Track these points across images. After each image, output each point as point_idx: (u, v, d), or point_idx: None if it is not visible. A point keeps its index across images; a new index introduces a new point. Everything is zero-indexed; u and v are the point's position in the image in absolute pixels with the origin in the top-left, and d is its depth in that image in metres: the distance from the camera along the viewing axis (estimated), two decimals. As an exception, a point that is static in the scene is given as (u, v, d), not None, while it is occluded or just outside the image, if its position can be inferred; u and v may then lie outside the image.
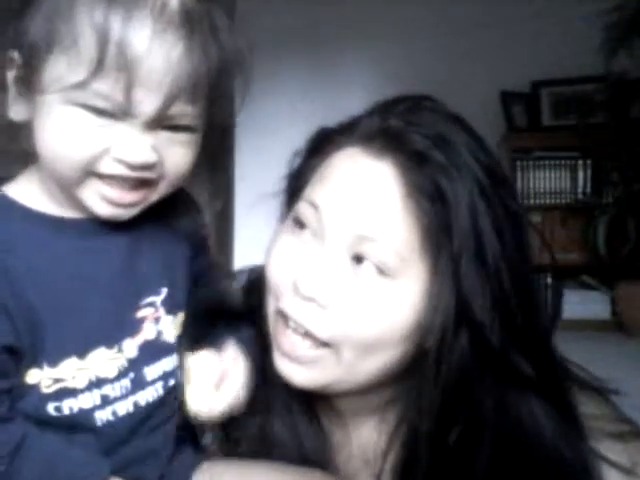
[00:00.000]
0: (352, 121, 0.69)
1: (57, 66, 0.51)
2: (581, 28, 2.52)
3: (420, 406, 0.64)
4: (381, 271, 0.62)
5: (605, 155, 2.69)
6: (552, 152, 2.88)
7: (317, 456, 0.69)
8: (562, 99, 2.94)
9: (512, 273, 0.63)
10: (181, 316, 0.63)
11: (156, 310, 0.60)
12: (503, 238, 0.62)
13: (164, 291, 0.60)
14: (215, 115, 0.58)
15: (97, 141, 0.52)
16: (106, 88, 0.50)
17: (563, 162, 2.88)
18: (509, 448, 0.62)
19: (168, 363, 0.61)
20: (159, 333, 0.60)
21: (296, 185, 0.72)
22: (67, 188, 0.55)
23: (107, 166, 0.52)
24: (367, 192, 0.63)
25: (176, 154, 0.55)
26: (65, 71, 0.50)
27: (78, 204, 0.55)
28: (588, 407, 0.68)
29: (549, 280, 2.70)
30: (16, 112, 0.56)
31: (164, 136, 0.54)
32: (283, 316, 0.65)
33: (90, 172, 0.52)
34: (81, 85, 0.49)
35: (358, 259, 0.63)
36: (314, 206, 0.65)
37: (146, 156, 0.52)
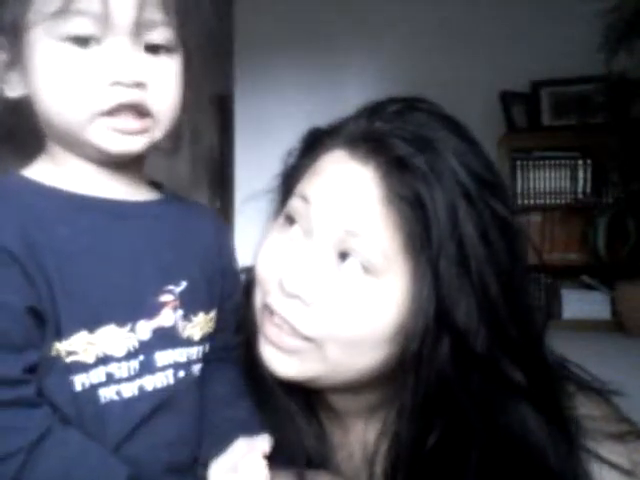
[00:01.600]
0: (340, 123, 0.70)
1: (37, 7, 0.55)
2: (581, 28, 2.52)
3: (401, 411, 0.63)
4: (366, 269, 0.62)
5: (605, 155, 2.69)
6: (552, 152, 2.88)
7: (318, 455, 0.70)
8: (562, 99, 2.94)
9: (500, 279, 0.62)
10: (203, 316, 0.64)
11: (175, 299, 0.61)
12: (489, 243, 0.62)
13: (183, 284, 0.62)
14: (191, 37, 0.61)
15: (90, 71, 0.55)
16: (83, 4, 0.54)
17: (563, 162, 2.87)
18: (496, 456, 0.62)
19: (182, 354, 0.61)
20: (176, 322, 0.61)
21: (289, 184, 0.73)
22: (77, 138, 0.57)
23: (106, 96, 0.56)
24: (352, 194, 0.64)
25: (161, 79, 0.58)
26: (45, 7, 0.54)
27: (90, 153, 0.58)
28: (588, 408, 0.68)
29: (547, 280, 2.71)
30: (12, 88, 0.59)
31: (147, 60, 0.58)
32: (270, 311, 0.66)
33: (94, 111, 0.56)
34: (62, 10, 0.54)
35: (344, 256, 0.63)
36: (305, 200, 0.66)
37: (137, 72, 0.56)
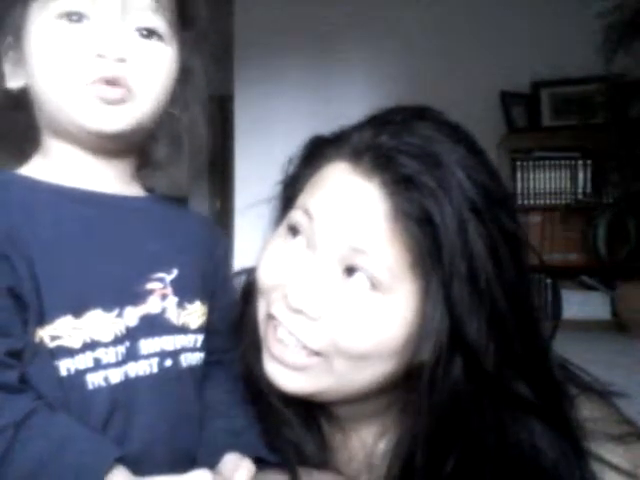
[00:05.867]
0: (343, 133, 0.69)
1: None
2: (581, 29, 2.52)
3: (415, 434, 0.62)
4: (373, 285, 0.61)
5: (605, 155, 2.69)
6: (552, 152, 2.88)
7: (317, 459, 0.69)
8: (562, 99, 2.94)
9: (508, 294, 0.61)
10: (200, 305, 0.64)
11: (164, 287, 0.61)
12: (498, 259, 0.61)
13: (174, 272, 0.62)
14: (184, 27, 0.65)
15: (78, 44, 0.59)
16: None
17: (563, 162, 2.87)
18: (509, 474, 0.61)
19: (169, 342, 0.61)
20: (164, 310, 0.61)
21: (290, 192, 0.72)
22: (65, 115, 0.60)
23: (90, 68, 0.59)
24: (357, 210, 0.62)
25: (146, 59, 0.62)
26: None
27: (80, 136, 0.61)
28: (589, 410, 0.67)
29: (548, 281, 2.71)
30: (14, 80, 0.63)
31: (135, 40, 0.61)
32: (274, 321, 0.65)
33: (79, 82, 0.59)
34: None
35: (350, 271, 0.62)
36: (308, 215, 0.65)
37: (121, 48, 0.60)
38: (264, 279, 0.67)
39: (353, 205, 0.63)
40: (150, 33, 0.62)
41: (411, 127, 0.64)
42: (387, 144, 0.63)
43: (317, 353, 0.63)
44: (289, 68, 3.28)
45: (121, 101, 0.61)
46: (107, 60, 0.59)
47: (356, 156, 0.64)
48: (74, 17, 0.60)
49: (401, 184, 0.61)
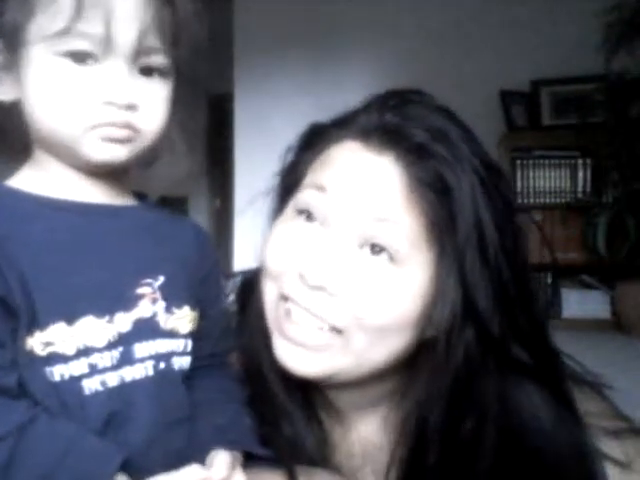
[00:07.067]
0: (349, 115, 0.70)
1: (39, 24, 0.57)
2: (581, 28, 2.52)
3: (431, 395, 0.64)
4: (391, 257, 0.62)
5: (605, 154, 2.69)
6: (552, 151, 2.88)
7: (317, 454, 0.69)
8: (562, 98, 2.94)
9: (510, 263, 0.64)
10: (188, 311, 0.64)
11: (154, 291, 0.61)
12: (501, 228, 0.63)
13: (161, 278, 0.62)
14: (184, 61, 0.64)
15: (85, 88, 0.57)
16: (86, 26, 0.56)
17: (563, 161, 2.87)
18: (510, 436, 0.63)
19: (163, 345, 0.61)
20: (155, 314, 0.61)
21: (290, 180, 0.72)
22: (64, 147, 0.59)
23: (98, 113, 0.58)
24: (373, 181, 0.64)
25: (151, 102, 0.61)
26: (47, 24, 0.56)
27: (77, 161, 0.60)
28: (584, 404, 0.69)
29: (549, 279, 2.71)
30: (4, 92, 0.60)
31: (140, 83, 0.60)
32: (287, 303, 0.65)
33: (85, 126, 0.58)
34: (65, 31, 0.55)
35: (366, 244, 0.63)
36: (320, 189, 0.66)
37: (130, 94, 0.58)
38: (274, 263, 0.67)
39: (369, 178, 0.64)
40: (153, 70, 0.61)
41: (411, 106, 0.67)
42: (393, 121, 0.66)
43: (337, 331, 0.63)
44: (289, 67, 3.28)
45: (126, 140, 0.60)
46: (116, 107, 0.58)
47: (365, 135, 0.66)
48: (80, 57, 0.57)
49: (415, 154, 0.63)
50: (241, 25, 3.27)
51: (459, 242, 0.61)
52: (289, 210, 0.69)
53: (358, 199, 0.63)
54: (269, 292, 0.68)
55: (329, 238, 0.64)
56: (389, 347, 0.64)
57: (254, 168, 2.70)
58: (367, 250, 0.63)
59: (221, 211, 4.74)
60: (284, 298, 0.65)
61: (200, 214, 4.59)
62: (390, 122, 0.66)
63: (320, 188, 0.66)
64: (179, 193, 3.37)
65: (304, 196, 0.67)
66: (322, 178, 0.66)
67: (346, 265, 0.63)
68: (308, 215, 0.66)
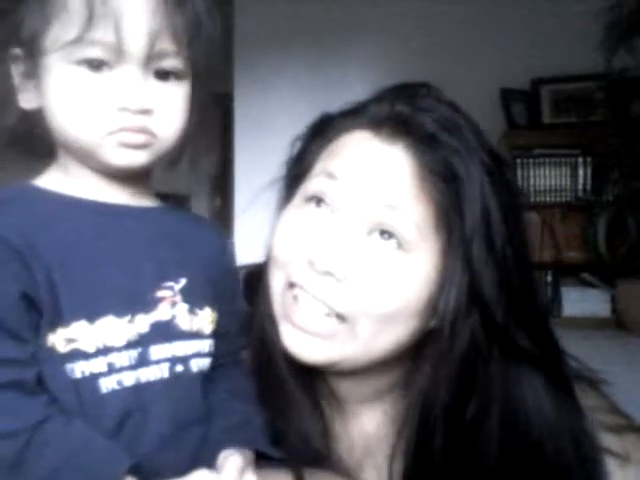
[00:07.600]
0: (359, 106, 0.71)
1: (54, 33, 0.58)
2: (581, 26, 2.52)
3: (435, 383, 0.65)
4: (399, 244, 0.63)
5: (605, 153, 2.69)
6: (552, 150, 2.87)
7: (319, 447, 0.70)
8: (562, 97, 2.93)
9: (515, 253, 0.65)
10: (209, 312, 0.65)
11: (174, 294, 0.62)
12: (507, 218, 0.64)
13: (183, 281, 0.63)
14: (199, 63, 0.64)
15: (99, 95, 0.58)
16: (99, 34, 0.57)
17: (563, 160, 2.87)
18: (513, 422, 0.64)
19: (180, 348, 0.62)
20: (173, 317, 0.62)
21: (298, 170, 0.73)
22: (86, 153, 0.60)
23: (113, 119, 0.59)
24: (383, 169, 0.65)
25: (167, 106, 0.61)
26: (62, 33, 0.57)
27: (99, 165, 0.61)
28: (584, 399, 0.69)
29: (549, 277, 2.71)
30: (27, 100, 0.62)
31: (155, 87, 0.60)
32: (294, 290, 0.65)
33: (101, 133, 0.59)
34: (78, 39, 0.57)
35: (375, 230, 0.64)
36: (331, 176, 0.67)
37: (144, 99, 0.59)
38: (282, 251, 0.68)
39: (379, 166, 0.65)
40: (168, 73, 0.62)
41: (421, 97, 0.69)
42: (404, 111, 0.67)
43: (343, 318, 0.64)
44: (289, 67, 3.28)
45: (144, 146, 0.61)
46: (130, 113, 0.59)
47: (376, 124, 0.67)
48: (95, 64, 0.58)
49: (425, 143, 0.64)
50: (241, 25, 3.27)
51: (467, 230, 0.62)
52: (297, 199, 0.70)
53: (368, 186, 0.64)
54: (277, 281, 0.68)
55: (338, 224, 0.65)
56: (394, 335, 0.65)
57: (254, 168, 2.70)
58: (376, 236, 0.64)
59: (221, 210, 4.75)
60: (292, 285, 0.66)
61: (201, 213, 4.60)
62: (401, 112, 0.67)
63: (330, 175, 0.67)
64: (181, 191, 3.37)
65: (314, 183, 0.68)
66: (332, 166, 0.67)
67: (355, 251, 0.63)
68: (318, 201, 0.67)
